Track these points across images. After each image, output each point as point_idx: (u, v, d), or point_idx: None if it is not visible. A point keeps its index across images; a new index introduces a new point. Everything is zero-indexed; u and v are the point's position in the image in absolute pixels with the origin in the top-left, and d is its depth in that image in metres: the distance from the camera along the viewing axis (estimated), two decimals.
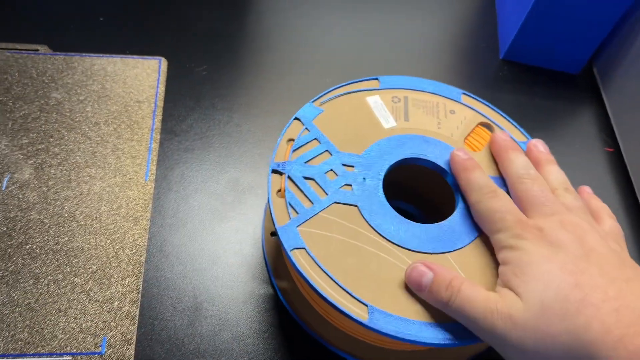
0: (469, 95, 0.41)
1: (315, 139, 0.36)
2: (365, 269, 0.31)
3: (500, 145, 0.36)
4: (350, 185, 0.34)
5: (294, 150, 0.36)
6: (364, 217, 0.33)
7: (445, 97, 0.40)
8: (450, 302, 0.28)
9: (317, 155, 0.36)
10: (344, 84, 0.40)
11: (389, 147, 0.37)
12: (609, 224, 0.32)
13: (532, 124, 0.53)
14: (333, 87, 0.40)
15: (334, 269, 0.31)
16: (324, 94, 0.39)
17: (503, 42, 0.58)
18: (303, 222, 0.33)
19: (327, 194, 0.34)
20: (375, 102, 0.39)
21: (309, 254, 0.31)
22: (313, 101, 0.39)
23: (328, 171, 0.35)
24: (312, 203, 0.33)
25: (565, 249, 0.27)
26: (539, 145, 0.36)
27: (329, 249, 0.32)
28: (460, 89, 0.41)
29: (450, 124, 0.39)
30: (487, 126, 0.39)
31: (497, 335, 0.27)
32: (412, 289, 0.30)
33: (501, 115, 0.40)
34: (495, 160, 0.36)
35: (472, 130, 0.38)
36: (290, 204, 0.33)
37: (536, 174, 0.33)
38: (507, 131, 0.38)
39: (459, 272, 0.31)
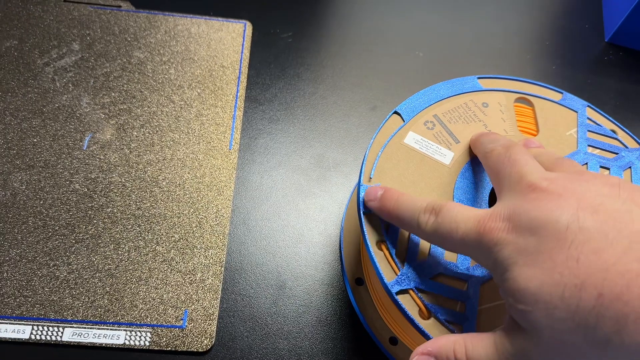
0: (484, 78, 0.37)
1: None
2: None
3: (471, 140, 0.33)
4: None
5: (392, 251, 0.31)
6: None
7: (467, 93, 0.36)
8: None
9: (418, 244, 0.31)
10: (371, 140, 0.35)
11: (467, 184, 0.33)
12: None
13: (638, 115, 0.49)
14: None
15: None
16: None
17: (609, 23, 0.54)
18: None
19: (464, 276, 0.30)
20: (416, 140, 0.34)
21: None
22: (360, 183, 0.33)
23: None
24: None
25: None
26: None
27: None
28: (473, 75, 0.37)
29: (494, 119, 0.35)
30: (523, 101, 0.36)
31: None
32: None
33: (526, 82, 0.37)
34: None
35: (516, 115, 0.36)
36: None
37: (508, 142, 0.29)
38: (540, 95, 0.36)
39: None
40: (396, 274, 0.29)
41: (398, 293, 0.29)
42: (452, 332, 0.28)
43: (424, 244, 0.30)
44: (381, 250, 0.30)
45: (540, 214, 0.22)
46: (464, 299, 0.29)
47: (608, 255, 0.20)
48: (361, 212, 0.31)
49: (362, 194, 0.31)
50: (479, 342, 0.24)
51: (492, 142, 0.30)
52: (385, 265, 0.30)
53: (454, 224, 0.25)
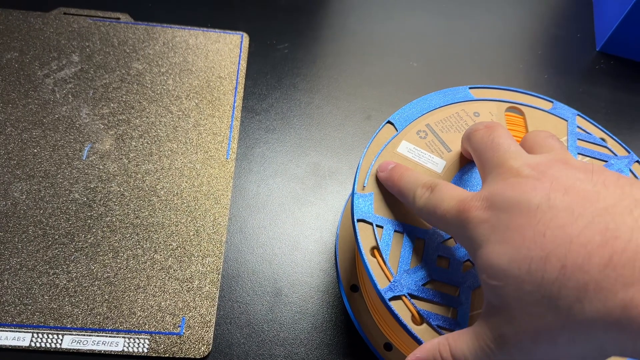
0: (475, 87, 0.38)
1: (395, 230, 0.32)
2: None
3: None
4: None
5: (385, 258, 0.31)
6: None
7: (459, 102, 0.37)
8: None
9: (411, 251, 0.31)
10: (365, 149, 0.36)
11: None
12: None
13: (629, 125, 0.50)
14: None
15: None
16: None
17: (600, 33, 0.55)
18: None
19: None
20: (409, 149, 0.35)
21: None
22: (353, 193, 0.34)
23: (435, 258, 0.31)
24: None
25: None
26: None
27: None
28: (465, 86, 0.38)
29: None
30: (514, 110, 0.37)
31: None
32: None
33: (517, 91, 0.38)
34: None
35: (507, 124, 0.36)
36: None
37: (491, 123, 0.30)
38: (530, 104, 0.37)
39: None
40: (389, 281, 0.30)
41: (391, 299, 0.29)
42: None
43: (417, 251, 0.31)
44: (374, 257, 0.31)
45: (514, 194, 0.23)
46: (456, 305, 0.30)
47: (572, 229, 0.21)
48: (355, 220, 0.32)
49: (356, 202, 0.32)
50: (461, 338, 0.25)
51: (477, 123, 0.31)
52: (378, 272, 0.30)
53: (440, 200, 0.27)
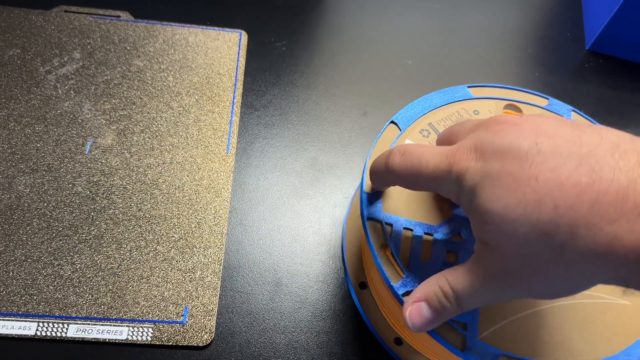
0: (474, 86, 0.39)
1: (404, 228, 0.33)
2: None
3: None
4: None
5: (396, 255, 0.32)
6: None
7: (459, 101, 0.38)
8: None
9: (420, 247, 0.32)
10: (371, 148, 0.36)
11: None
12: None
13: (618, 120, 0.51)
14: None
15: None
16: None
17: (590, 32, 0.56)
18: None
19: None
20: None
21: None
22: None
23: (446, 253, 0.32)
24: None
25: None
26: None
27: None
28: (464, 84, 0.39)
29: None
30: (511, 107, 0.38)
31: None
32: None
33: (514, 89, 0.39)
34: None
35: None
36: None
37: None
38: (527, 102, 0.38)
39: None
40: (401, 277, 0.31)
41: (404, 295, 0.30)
42: (457, 330, 0.30)
43: (426, 247, 0.32)
44: (385, 254, 0.32)
45: (503, 141, 0.25)
46: None
47: (562, 172, 0.23)
48: (365, 219, 0.33)
49: (364, 202, 0.33)
50: (457, 274, 0.27)
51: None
52: (390, 269, 0.31)
53: (423, 160, 0.27)
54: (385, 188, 0.33)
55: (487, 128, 0.26)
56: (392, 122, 0.37)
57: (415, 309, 0.28)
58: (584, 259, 0.22)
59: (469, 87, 0.39)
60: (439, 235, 0.32)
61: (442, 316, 0.28)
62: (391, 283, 0.31)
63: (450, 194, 0.27)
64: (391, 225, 0.33)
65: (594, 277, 0.23)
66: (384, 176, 0.30)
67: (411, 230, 0.32)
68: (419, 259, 0.32)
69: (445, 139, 0.30)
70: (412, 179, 0.28)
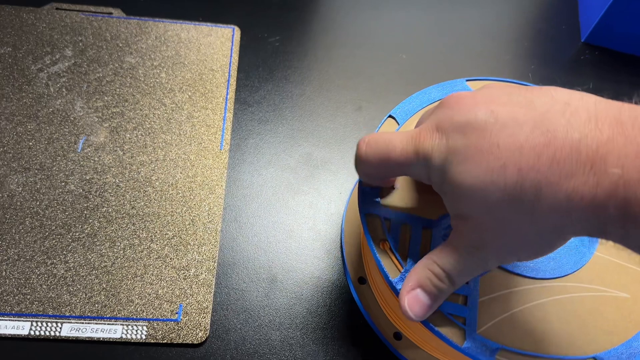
0: (472, 80, 0.39)
1: (402, 222, 0.32)
2: None
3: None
4: None
5: (394, 249, 0.32)
6: None
7: None
8: None
9: (419, 241, 0.32)
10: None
11: None
12: None
13: None
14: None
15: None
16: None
17: (585, 24, 0.56)
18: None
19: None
20: None
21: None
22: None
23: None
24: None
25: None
26: None
27: None
28: (463, 78, 0.39)
29: None
30: None
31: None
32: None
33: (510, 82, 0.39)
34: None
35: None
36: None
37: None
38: None
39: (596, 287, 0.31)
40: (400, 272, 0.31)
41: None
42: (456, 324, 0.30)
43: (425, 241, 0.32)
44: (383, 249, 0.32)
45: (461, 116, 0.25)
46: (466, 292, 0.31)
47: (520, 136, 0.23)
48: (363, 214, 0.32)
49: (362, 197, 0.33)
50: (442, 254, 0.28)
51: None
52: (389, 264, 0.31)
53: (390, 145, 0.28)
54: (376, 183, 0.33)
55: (444, 106, 0.27)
56: (390, 116, 0.37)
57: (413, 297, 0.28)
58: (551, 215, 0.23)
59: (467, 80, 0.39)
60: (437, 229, 0.32)
61: (439, 298, 0.28)
62: (390, 278, 0.30)
63: (420, 176, 0.28)
64: (389, 219, 0.32)
65: (565, 231, 0.24)
66: (359, 168, 0.31)
67: (409, 224, 0.32)
68: (417, 254, 0.31)
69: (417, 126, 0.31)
70: (382, 164, 0.29)
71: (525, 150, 0.23)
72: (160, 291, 0.37)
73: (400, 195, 0.33)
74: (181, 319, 0.37)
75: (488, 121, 0.24)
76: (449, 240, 0.28)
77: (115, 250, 0.39)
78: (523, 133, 0.23)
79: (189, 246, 0.39)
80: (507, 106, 0.25)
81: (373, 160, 0.29)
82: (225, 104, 0.46)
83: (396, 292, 0.30)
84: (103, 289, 0.37)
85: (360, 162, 0.30)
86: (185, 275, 0.38)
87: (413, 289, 0.28)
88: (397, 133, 0.28)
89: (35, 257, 0.38)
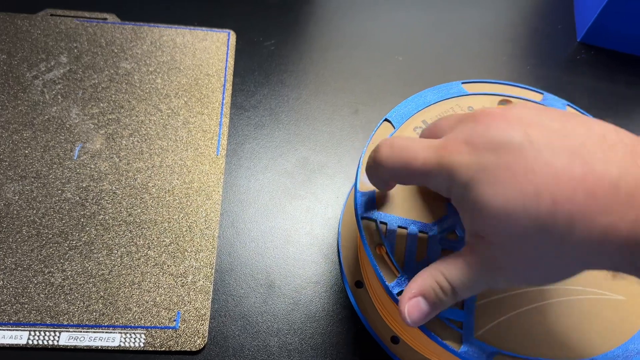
0: (468, 82, 0.39)
1: (399, 226, 0.32)
2: None
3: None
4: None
5: (391, 254, 0.32)
6: None
7: (453, 98, 0.38)
8: None
9: (415, 245, 0.32)
10: (364, 147, 0.35)
11: None
12: None
13: (610, 112, 0.51)
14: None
15: None
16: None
17: (581, 23, 0.56)
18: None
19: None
20: None
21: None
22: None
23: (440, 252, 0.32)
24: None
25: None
26: None
27: None
28: (458, 81, 0.39)
29: None
30: (506, 103, 0.38)
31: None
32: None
33: (508, 84, 0.39)
34: None
35: None
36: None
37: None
38: (522, 97, 0.38)
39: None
40: (396, 276, 0.31)
41: (399, 294, 0.30)
42: (453, 329, 0.30)
43: (421, 245, 0.32)
44: (380, 253, 0.32)
45: (495, 134, 0.24)
46: None
47: (557, 164, 0.23)
48: (359, 218, 0.32)
49: (358, 200, 0.33)
50: (452, 267, 0.27)
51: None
52: (385, 268, 0.31)
53: (412, 153, 0.27)
54: (383, 187, 0.32)
55: (475, 121, 0.26)
56: (386, 119, 0.36)
57: (414, 304, 0.28)
58: (581, 248, 0.23)
59: (463, 83, 0.39)
60: (433, 234, 0.32)
61: (439, 308, 0.28)
62: (386, 282, 0.30)
63: (439, 188, 0.27)
64: (386, 224, 0.32)
65: (589, 264, 0.24)
66: (375, 171, 0.29)
67: (406, 228, 0.32)
68: (414, 258, 0.31)
69: (430, 134, 0.30)
70: (401, 172, 0.28)
71: (562, 180, 0.23)
72: (157, 299, 0.37)
73: (396, 200, 0.33)
74: (179, 327, 0.37)
75: (523, 144, 0.24)
76: (460, 254, 0.27)
77: (113, 258, 0.39)
78: (560, 162, 0.23)
79: (186, 253, 0.39)
80: (542, 130, 0.24)
81: (392, 166, 0.28)
82: (222, 109, 0.46)
83: (392, 297, 0.30)
84: (101, 297, 0.37)
85: (379, 165, 0.28)
86: (183, 282, 0.38)
87: (415, 297, 0.28)
88: (420, 140, 0.27)
89: (33, 265, 0.38)
